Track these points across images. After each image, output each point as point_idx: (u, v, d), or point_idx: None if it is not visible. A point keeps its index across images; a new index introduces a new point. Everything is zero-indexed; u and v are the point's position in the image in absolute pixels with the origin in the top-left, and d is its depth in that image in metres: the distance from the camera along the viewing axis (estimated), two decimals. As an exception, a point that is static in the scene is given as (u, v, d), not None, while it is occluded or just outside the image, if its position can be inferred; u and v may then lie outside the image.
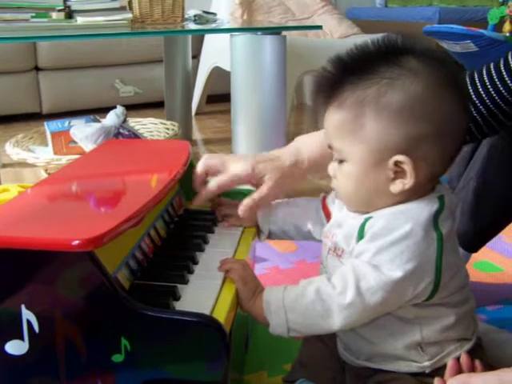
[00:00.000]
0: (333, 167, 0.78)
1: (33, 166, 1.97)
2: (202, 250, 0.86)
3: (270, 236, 0.96)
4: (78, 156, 1.49)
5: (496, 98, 0.86)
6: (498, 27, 3.12)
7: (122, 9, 2.01)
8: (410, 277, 0.70)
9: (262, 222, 0.95)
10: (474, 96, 0.88)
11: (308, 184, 2.03)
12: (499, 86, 0.86)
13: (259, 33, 1.75)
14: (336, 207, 0.85)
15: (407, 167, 0.70)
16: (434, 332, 0.75)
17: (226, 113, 2.57)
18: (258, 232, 0.96)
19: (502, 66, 0.86)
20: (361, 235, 0.74)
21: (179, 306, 0.70)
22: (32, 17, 1.88)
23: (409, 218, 0.71)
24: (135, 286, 0.73)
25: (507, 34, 2.86)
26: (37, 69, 3.11)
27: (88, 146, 1.83)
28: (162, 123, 2.34)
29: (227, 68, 2.16)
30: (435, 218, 0.72)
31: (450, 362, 0.74)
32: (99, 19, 1.91)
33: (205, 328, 0.65)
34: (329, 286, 0.72)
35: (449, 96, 0.71)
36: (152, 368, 0.66)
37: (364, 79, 0.71)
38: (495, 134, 0.92)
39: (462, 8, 4.29)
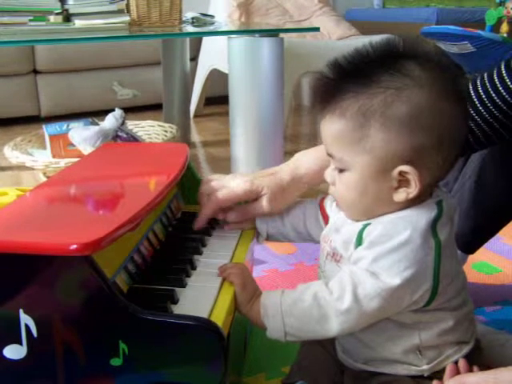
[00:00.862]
0: (331, 174, 0.77)
1: (31, 169, 1.96)
2: (200, 253, 0.86)
3: (269, 238, 0.96)
4: (76, 159, 1.49)
5: (493, 110, 0.86)
6: (496, 28, 3.12)
7: (119, 12, 2.01)
8: (407, 284, 0.70)
9: (259, 224, 0.95)
10: (472, 110, 0.87)
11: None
12: (495, 98, 0.86)
13: (257, 35, 1.75)
14: (333, 209, 0.85)
15: (412, 177, 0.70)
16: (433, 336, 0.75)
17: (224, 115, 2.57)
18: (257, 234, 0.96)
19: (495, 77, 0.86)
20: (359, 242, 0.74)
21: (177, 309, 0.70)
22: (30, 20, 1.88)
23: (407, 226, 0.71)
24: (133, 290, 0.73)
25: (505, 35, 2.87)
26: (35, 72, 3.11)
27: (86, 149, 1.83)
28: (160, 126, 2.34)
29: (225, 70, 2.16)
30: (433, 225, 0.72)
31: (448, 367, 0.74)
32: (97, 22, 1.91)
33: (203, 331, 0.65)
34: (326, 292, 0.72)
35: (451, 104, 0.71)
36: (150, 371, 0.66)
37: (367, 88, 0.70)
38: (494, 145, 0.92)
39: (460, 9, 4.30)
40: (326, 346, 0.87)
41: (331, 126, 0.73)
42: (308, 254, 1.42)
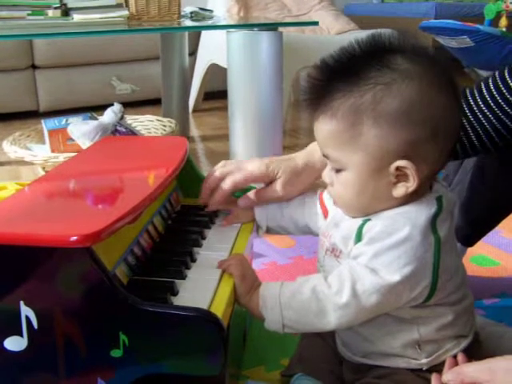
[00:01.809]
0: (329, 175, 0.77)
1: (30, 163, 1.96)
2: (199, 245, 0.86)
3: (268, 231, 0.96)
4: (75, 154, 1.49)
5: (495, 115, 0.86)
6: (495, 22, 3.12)
7: (118, 6, 2.01)
8: (406, 281, 0.70)
9: (259, 217, 0.95)
10: (470, 114, 0.87)
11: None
12: (496, 103, 0.85)
13: (256, 29, 1.75)
14: (332, 203, 0.85)
15: (410, 171, 0.70)
16: (432, 331, 0.75)
17: (223, 109, 2.57)
18: (256, 227, 0.96)
19: (499, 81, 0.85)
20: (359, 237, 0.74)
21: (177, 301, 0.70)
22: (28, 14, 1.88)
23: (407, 222, 0.71)
24: (133, 282, 0.73)
25: (503, 29, 2.87)
26: (33, 67, 3.10)
27: (85, 144, 1.83)
28: (158, 120, 2.34)
29: (224, 65, 2.16)
30: (433, 221, 0.72)
31: (447, 360, 0.74)
32: (95, 16, 1.91)
33: (203, 322, 0.65)
34: (325, 286, 0.73)
35: (442, 95, 0.71)
36: (150, 363, 0.67)
37: (356, 85, 0.69)
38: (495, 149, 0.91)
39: (459, 3, 4.29)
40: (326, 338, 0.88)
41: (324, 127, 0.73)
42: (307, 247, 1.42)
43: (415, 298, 0.72)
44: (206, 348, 0.66)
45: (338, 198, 0.78)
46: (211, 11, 2.35)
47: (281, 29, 1.80)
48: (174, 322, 0.65)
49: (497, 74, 0.86)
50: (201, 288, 0.73)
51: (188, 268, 0.79)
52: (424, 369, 0.77)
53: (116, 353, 0.66)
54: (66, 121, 1.97)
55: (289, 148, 2.24)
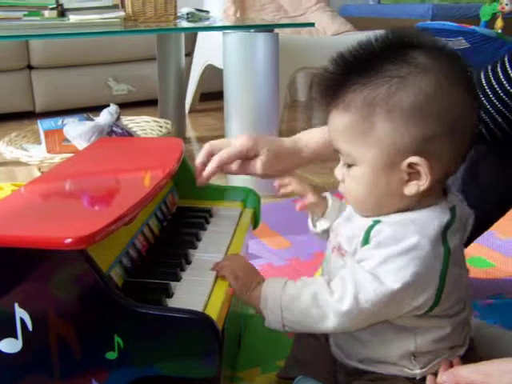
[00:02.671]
0: (341, 171, 0.75)
1: (26, 164, 1.96)
2: (194, 247, 0.87)
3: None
4: (71, 154, 1.49)
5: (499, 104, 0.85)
6: (490, 24, 3.13)
7: (114, 7, 2.01)
8: (410, 290, 0.68)
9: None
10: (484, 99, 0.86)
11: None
12: (500, 92, 0.85)
13: (252, 30, 1.75)
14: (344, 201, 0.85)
15: (422, 169, 0.68)
16: (428, 342, 0.74)
17: (219, 110, 2.56)
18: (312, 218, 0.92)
19: (499, 71, 0.85)
20: (366, 240, 0.72)
21: (172, 303, 0.70)
22: (24, 15, 1.88)
23: (416, 229, 0.69)
24: (128, 284, 0.73)
25: (499, 31, 2.87)
26: (29, 67, 3.10)
27: (81, 145, 1.83)
28: (155, 121, 2.34)
29: (220, 66, 2.16)
30: (444, 231, 0.70)
31: (442, 362, 0.74)
32: (92, 17, 1.91)
33: (197, 325, 0.65)
34: (327, 293, 0.71)
35: (459, 92, 0.68)
36: (145, 365, 0.67)
37: (371, 79, 0.68)
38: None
39: (455, 5, 4.30)
40: (320, 339, 0.88)
41: (336, 121, 0.71)
42: (303, 249, 1.42)
43: (418, 308, 0.71)
44: (200, 350, 0.66)
45: (348, 194, 0.75)
46: (207, 12, 2.35)
47: (277, 30, 1.80)
48: (169, 324, 0.65)
49: (498, 65, 0.86)
50: (196, 290, 0.73)
51: (183, 270, 0.79)
52: (417, 378, 0.76)
53: (111, 355, 0.66)
54: (62, 121, 1.96)
55: (285, 149, 2.23)
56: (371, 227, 0.72)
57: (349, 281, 0.70)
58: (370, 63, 0.69)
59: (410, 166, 0.68)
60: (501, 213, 1.10)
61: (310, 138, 0.98)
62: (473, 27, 2.60)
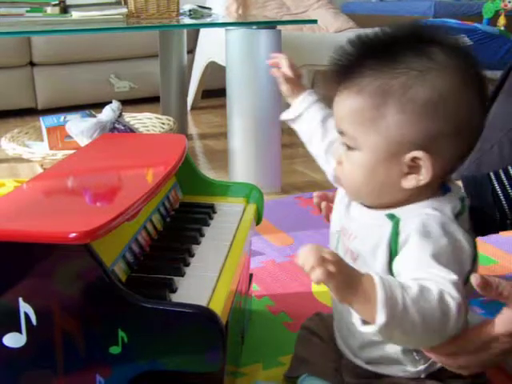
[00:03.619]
0: (339, 153, 0.74)
1: (28, 161, 1.97)
2: (197, 242, 0.87)
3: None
4: (73, 151, 1.49)
5: None
6: (493, 21, 3.12)
7: (117, 3, 2.01)
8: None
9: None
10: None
11: (303, 177, 2.04)
12: None
13: (254, 27, 1.75)
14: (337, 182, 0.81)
15: (424, 164, 0.67)
16: None
17: (221, 107, 2.57)
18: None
19: None
20: (395, 248, 0.68)
21: (176, 298, 0.70)
22: (27, 11, 1.88)
23: (437, 216, 0.67)
24: (132, 279, 0.73)
25: (502, 28, 2.86)
26: (32, 64, 3.10)
27: (84, 141, 1.83)
28: (157, 118, 2.34)
29: (222, 63, 2.16)
30: (456, 217, 0.69)
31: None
32: (94, 14, 1.91)
33: (201, 319, 0.65)
34: (449, 295, 0.62)
35: (471, 95, 0.69)
36: (149, 359, 0.67)
37: (389, 67, 0.67)
38: None
39: (457, 2, 4.29)
40: (323, 336, 0.88)
41: (347, 102, 0.70)
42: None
43: None
44: (204, 345, 0.66)
45: (344, 177, 0.74)
46: (210, 9, 2.35)
47: (279, 27, 1.80)
48: (173, 319, 0.65)
49: None
50: (199, 285, 0.74)
51: (186, 265, 0.79)
52: (422, 376, 0.76)
53: (114, 350, 0.66)
54: (65, 118, 1.97)
55: (287, 146, 2.24)
56: (395, 234, 0.68)
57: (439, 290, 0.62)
58: (390, 51, 0.68)
59: (413, 159, 0.68)
60: None
61: None
62: (475, 24, 2.59)
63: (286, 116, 0.95)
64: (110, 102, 1.97)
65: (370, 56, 0.69)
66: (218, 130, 2.75)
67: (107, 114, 1.93)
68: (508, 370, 0.95)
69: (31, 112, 3.07)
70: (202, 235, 0.90)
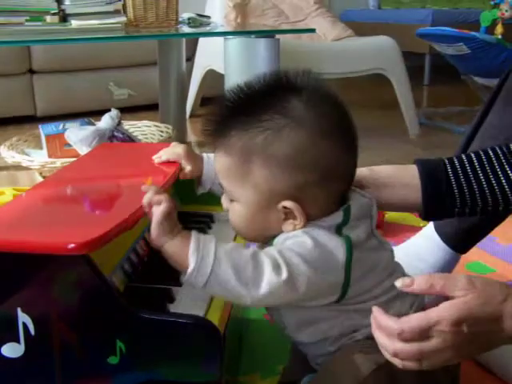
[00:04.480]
0: (225, 202, 0.79)
1: (27, 169, 1.97)
2: (196, 252, 0.87)
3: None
4: (72, 159, 1.49)
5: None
6: (490, 29, 3.14)
7: (116, 12, 2.02)
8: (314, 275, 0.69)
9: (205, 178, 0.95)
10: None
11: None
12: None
13: (253, 36, 1.76)
14: None
15: (295, 212, 0.71)
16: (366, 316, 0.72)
17: (220, 115, 2.57)
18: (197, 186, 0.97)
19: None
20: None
21: (174, 307, 0.71)
22: (26, 20, 1.89)
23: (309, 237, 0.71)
24: (130, 289, 0.73)
25: (499, 37, 2.88)
26: (31, 72, 3.11)
27: (83, 149, 1.83)
28: (156, 126, 2.34)
29: (221, 71, 2.17)
30: (339, 230, 0.72)
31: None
32: (93, 23, 1.92)
33: (199, 330, 0.65)
34: (265, 258, 0.69)
35: (334, 141, 0.72)
36: (147, 370, 0.67)
37: (249, 127, 0.71)
38: None
39: (455, 10, 4.32)
40: None
41: (220, 160, 0.75)
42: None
43: (330, 293, 0.72)
44: (202, 355, 0.66)
45: (232, 224, 0.79)
46: (209, 17, 2.36)
47: (278, 35, 1.81)
48: (171, 329, 0.65)
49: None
50: (197, 295, 0.74)
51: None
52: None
53: (113, 360, 0.66)
54: (64, 126, 1.97)
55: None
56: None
57: (277, 257, 0.69)
58: (250, 110, 0.73)
59: (285, 208, 0.72)
60: (499, 220, 1.10)
61: None
62: (473, 33, 2.60)
63: (202, 190, 0.98)
64: (109, 110, 1.97)
65: (233, 117, 0.73)
66: (216, 138, 2.75)
67: (106, 121, 1.93)
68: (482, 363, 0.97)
69: (30, 119, 3.07)
70: (201, 244, 0.90)
